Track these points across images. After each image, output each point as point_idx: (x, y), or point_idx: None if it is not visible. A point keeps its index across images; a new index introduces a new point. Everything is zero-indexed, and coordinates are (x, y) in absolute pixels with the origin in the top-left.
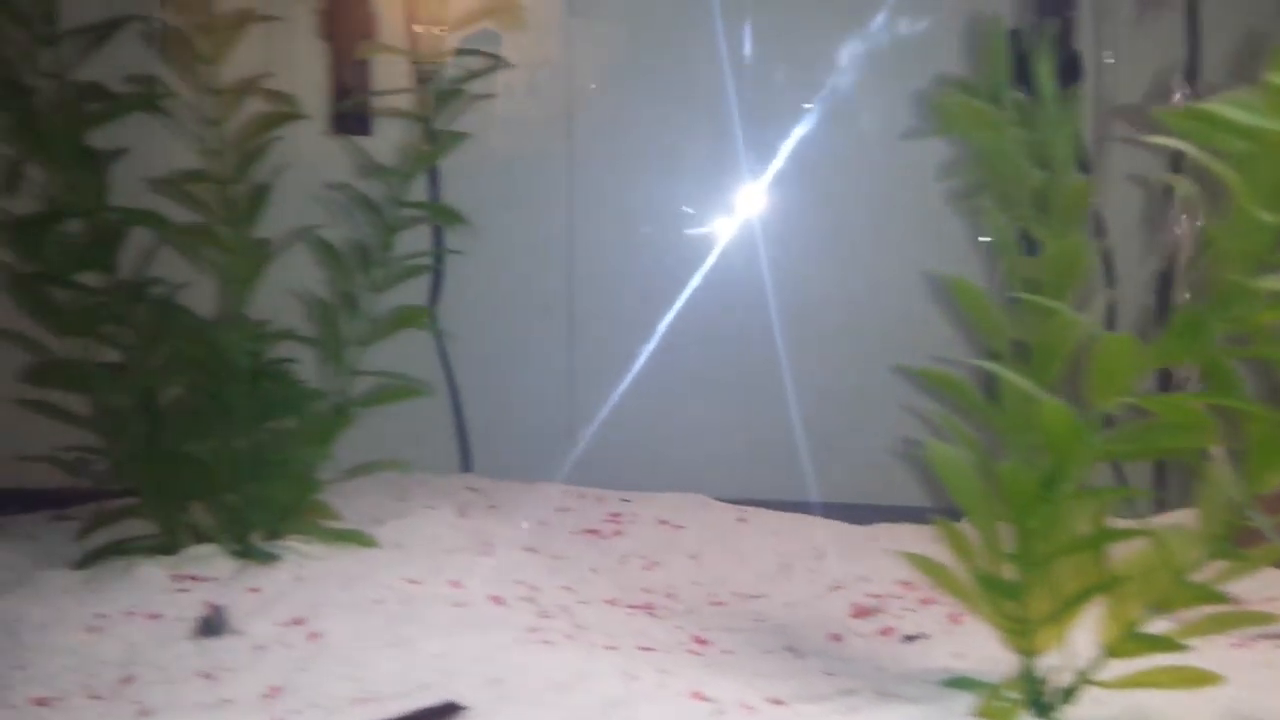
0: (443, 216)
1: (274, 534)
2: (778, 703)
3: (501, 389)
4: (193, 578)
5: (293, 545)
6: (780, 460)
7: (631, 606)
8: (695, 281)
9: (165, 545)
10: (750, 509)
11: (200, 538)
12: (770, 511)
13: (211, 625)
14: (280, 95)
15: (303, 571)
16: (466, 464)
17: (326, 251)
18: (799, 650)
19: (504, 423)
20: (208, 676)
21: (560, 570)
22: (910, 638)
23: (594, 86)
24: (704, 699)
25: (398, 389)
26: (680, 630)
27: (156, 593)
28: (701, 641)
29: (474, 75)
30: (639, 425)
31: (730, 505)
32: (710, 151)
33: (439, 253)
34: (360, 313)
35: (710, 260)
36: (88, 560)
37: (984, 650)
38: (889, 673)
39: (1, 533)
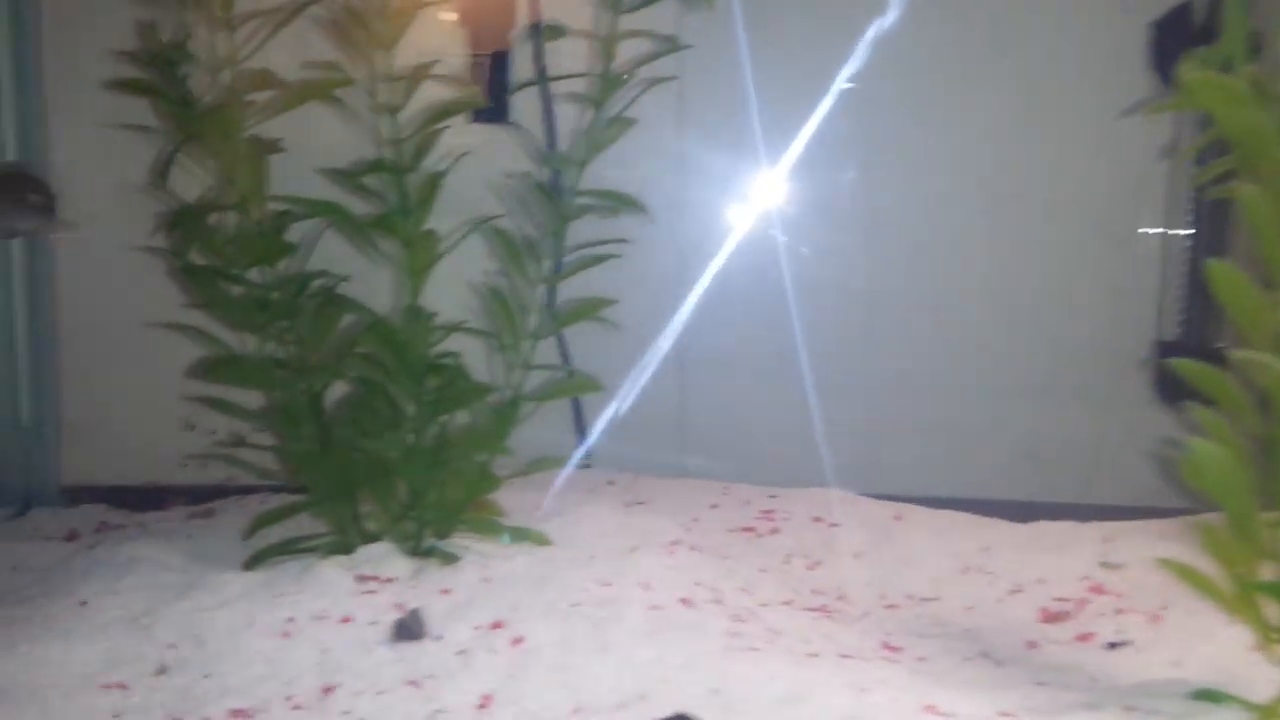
0: (621, 203)
1: (443, 532)
2: (1008, 716)
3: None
4: (374, 578)
5: (465, 544)
6: (919, 455)
7: (810, 610)
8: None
9: (341, 545)
10: (903, 506)
11: (367, 536)
12: (925, 509)
13: (408, 629)
14: (456, 81)
15: (489, 572)
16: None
17: (503, 242)
18: (996, 658)
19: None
20: (414, 684)
21: (731, 571)
22: (1114, 644)
23: (707, 79)
24: (940, 714)
25: (573, 383)
26: (866, 635)
27: (343, 595)
28: (892, 648)
29: (644, 60)
30: (749, 418)
31: (877, 501)
32: (826, 146)
33: (615, 240)
34: (531, 305)
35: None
36: (258, 560)
37: (1201, 657)
38: (1104, 683)
39: (149, 533)
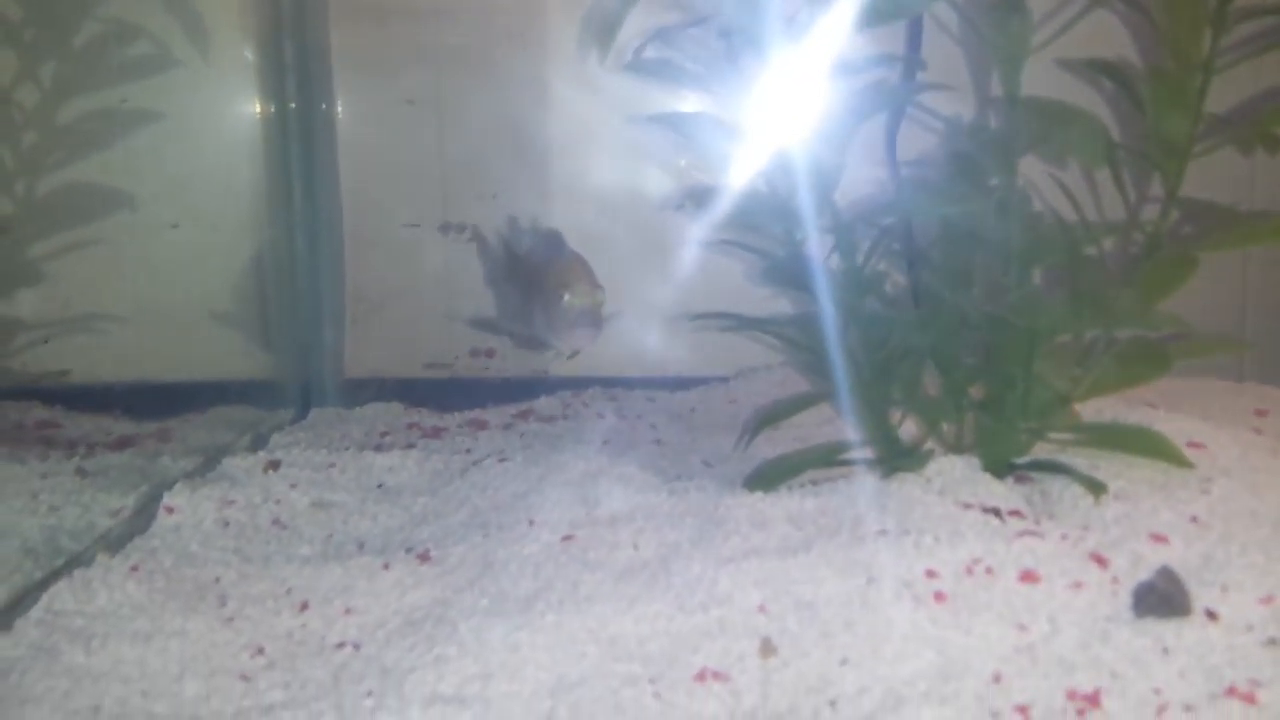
0: None
1: (1022, 445)
2: None
3: None
4: (991, 509)
5: (1054, 457)
6: None
7: None
8: None
9: (908, 459)
10: None
11: (900, 446)
12: None
13: (1166, 598)
14: None
15: (1185, 506)
16: None
17: None
18: None
19: None
20: (1235, 695)
21: None
22: None
23: None
24: None
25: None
26: None
27: (988, 536)
28: None
29: None
30: None
31: None
32: None
33: None
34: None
35: None
36: (773, 478)
37: None
38: None
39: (529, 435)
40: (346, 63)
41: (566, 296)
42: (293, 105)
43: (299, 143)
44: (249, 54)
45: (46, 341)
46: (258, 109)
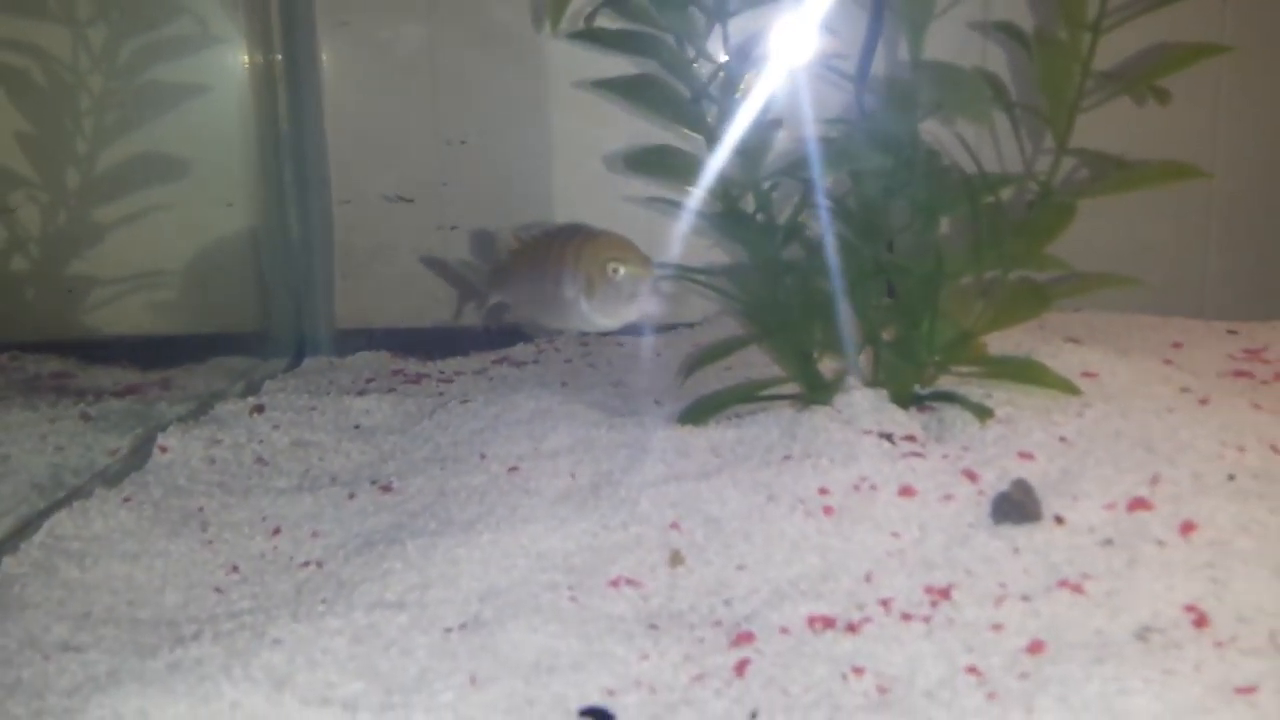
0: None
1: (928, 376)
2: None
3: None
4: (886, 435)
5: (960, 390)
6: None
7: None
8: None
9: (817, 392)
10: None
11: (822, 382)
12: None
13: (1018, 506)
14: None
15: (1058, 429)
16: None
17: None
18: None
19: None
20: (1068, 586)
21: None
22: None
23: None
24: None
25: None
26: None
27: (877, 458)
28: None
29: None
30: None
31: None
32: None
33: None
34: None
35: None
36: (700, 414)
37: None
38: None
39: (498, 379)
40: (331, 16)
41: (621, 270)
42: (278, 58)
43: (287, 101)
44: (237, 10)
45: (70, 291)
46: (245, 65)
